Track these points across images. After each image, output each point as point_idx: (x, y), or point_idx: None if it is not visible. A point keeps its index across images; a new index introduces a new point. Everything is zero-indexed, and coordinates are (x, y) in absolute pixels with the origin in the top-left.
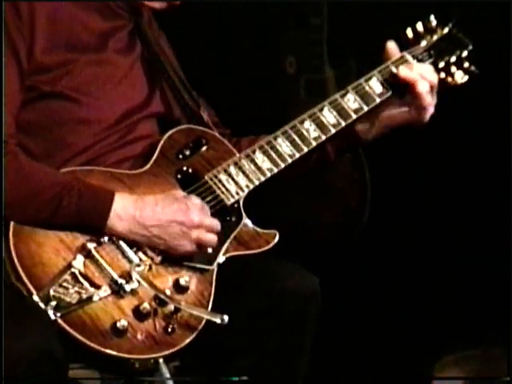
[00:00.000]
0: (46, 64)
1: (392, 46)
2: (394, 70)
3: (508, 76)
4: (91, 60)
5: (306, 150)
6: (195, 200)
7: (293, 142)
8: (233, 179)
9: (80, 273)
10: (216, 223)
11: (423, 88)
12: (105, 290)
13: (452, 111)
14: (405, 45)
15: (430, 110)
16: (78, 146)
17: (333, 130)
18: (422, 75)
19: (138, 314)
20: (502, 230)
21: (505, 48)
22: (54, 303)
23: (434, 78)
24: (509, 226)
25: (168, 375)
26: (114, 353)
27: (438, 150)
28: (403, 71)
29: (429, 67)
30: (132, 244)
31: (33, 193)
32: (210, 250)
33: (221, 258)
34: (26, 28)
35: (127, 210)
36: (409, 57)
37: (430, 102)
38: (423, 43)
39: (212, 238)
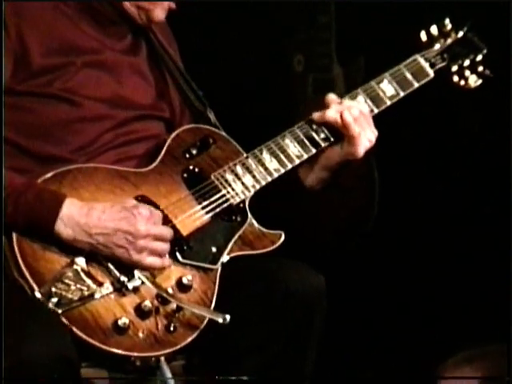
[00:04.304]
0: (40, 69)
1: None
2: (406, 73)
3: (508, 76)
4: (88, 62)
5: (314, 151)
6: (143, 209)
7: (301, 143)
8: (239, 179)
9: (82, 270)
10: (166, 231)
11: (348, 118)
12: (107, 288)
13: (453, 111)
14: (418, 47)
15: (363, 142)
16: (77, 144)
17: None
18: (348, 107)
19: (140, 312)
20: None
21: (505, 48)
22: (55, 299)
23: (356, 112)
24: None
25: (169, 374)
26: (114, 350)
27: (441, 150)
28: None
29: (353, 103)
30: None
31: None
32: (214, 250)
33: (225, 258)
34: (17, 45)
35: (72, 217)
36: (421, 59)
37: (358, 131)
38: (437, 46)
39: (160, 246)
